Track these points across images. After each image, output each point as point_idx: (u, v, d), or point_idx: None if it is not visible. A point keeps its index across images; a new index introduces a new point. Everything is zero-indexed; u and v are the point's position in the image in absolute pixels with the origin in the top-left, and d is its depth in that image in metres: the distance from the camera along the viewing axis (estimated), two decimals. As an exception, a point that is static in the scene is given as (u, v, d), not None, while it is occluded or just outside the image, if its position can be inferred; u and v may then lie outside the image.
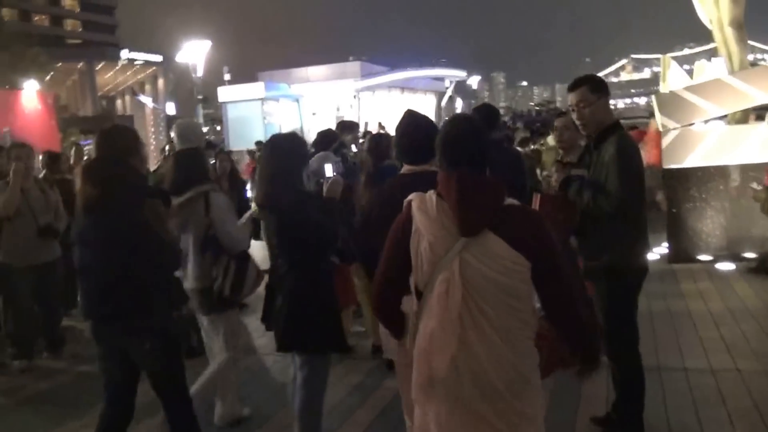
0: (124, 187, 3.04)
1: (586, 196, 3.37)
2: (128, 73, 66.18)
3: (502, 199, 2.11)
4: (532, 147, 9.10)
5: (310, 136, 22.27)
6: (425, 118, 3.24)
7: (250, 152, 16.90)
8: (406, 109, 3.37)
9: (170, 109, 43.46)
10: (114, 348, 3.15)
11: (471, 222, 2.04)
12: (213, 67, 27.88)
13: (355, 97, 28.94)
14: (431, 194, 2.18)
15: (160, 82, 62.78)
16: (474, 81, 59.25)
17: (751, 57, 16.83)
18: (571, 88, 3.52)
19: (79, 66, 60.02)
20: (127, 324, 3.05)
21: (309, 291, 3.29)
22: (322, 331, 3.30)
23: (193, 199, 3.84)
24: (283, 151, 3.45)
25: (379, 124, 19.03)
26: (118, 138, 3.22)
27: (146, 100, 17.07)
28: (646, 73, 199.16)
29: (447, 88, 42.60)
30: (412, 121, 3.18)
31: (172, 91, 51.19)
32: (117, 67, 63.37)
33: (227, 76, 27.02)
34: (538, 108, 47.28)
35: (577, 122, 3.56)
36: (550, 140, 8.40)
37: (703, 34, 10.96)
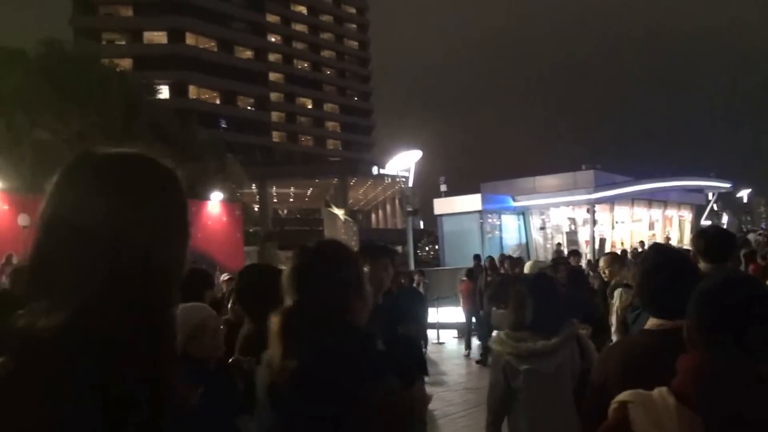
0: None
1: None
2: (379, 189, 69.92)
3: None
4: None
5: (539, 254, 19.82)
6: (685, 256, 2.65)
7: (470, 270, 14.59)
8: (652, 244, 1.88)
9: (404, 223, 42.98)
10: None
11: None
12: (432, 177, 26.85)
13: (588, 210, 25.73)
14: (665, 395, 1.45)
15: (413, 197, 64.66)
16: (744, 194, 52.54)
17: None
18: None
19: (334, 182, 64.48)
20: None
21: None
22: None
23: (566, 342, 3.32)
24: None
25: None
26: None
27: (338, 211, 16.37)
28: None
29: (709, 201, 37.19)
30: (665, 257, 2.48)
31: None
32: (368, 183, 67.20)
33: (443, 187, 25.61)
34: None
35: None
36: None
37: None
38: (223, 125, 69.46)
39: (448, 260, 23.75)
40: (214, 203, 18.85)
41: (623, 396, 1.56)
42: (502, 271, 13.12)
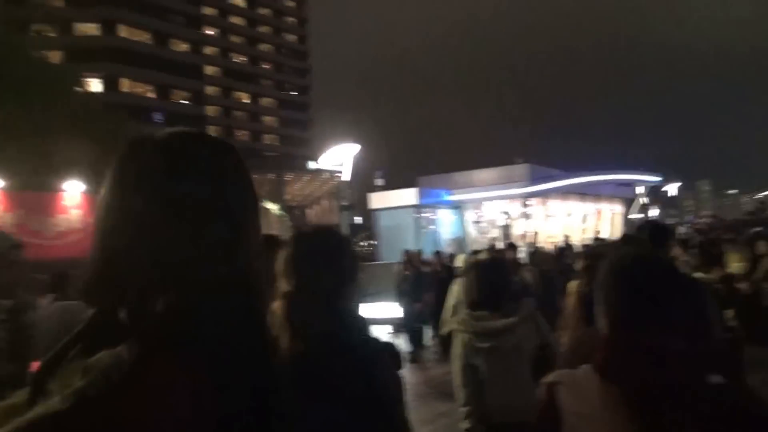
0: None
1: None
2: (316, 183, 69.53)
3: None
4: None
5: (476, 247, 19.75)
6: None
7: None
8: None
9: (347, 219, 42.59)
10: None
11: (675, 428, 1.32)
12: (368, 172, 26.73)
13: (523, 204, 26.00)
14: (588, 372, 1.54)
15: (348, 192, 64.75)
16: (673, 188, 54.15)
17: None
18: None
19: (270, 177, 63.82)
20: None
21: None
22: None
23: (525, 320, 3.46)
24: None
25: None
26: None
27: (272, 206, 16.02)
28: None
29: (638, 195, 38.16)
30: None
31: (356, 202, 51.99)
32: (306, 179, 66.80)
33: (379, 181, 25.52)
34: (749, 216, 40.80)
35: None
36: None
37: None
38: (158, 119, 67.88)
39: (384, 255, 23.64)
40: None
41: (551, 377, 1.66)
42: (428, 269, 13.14)
